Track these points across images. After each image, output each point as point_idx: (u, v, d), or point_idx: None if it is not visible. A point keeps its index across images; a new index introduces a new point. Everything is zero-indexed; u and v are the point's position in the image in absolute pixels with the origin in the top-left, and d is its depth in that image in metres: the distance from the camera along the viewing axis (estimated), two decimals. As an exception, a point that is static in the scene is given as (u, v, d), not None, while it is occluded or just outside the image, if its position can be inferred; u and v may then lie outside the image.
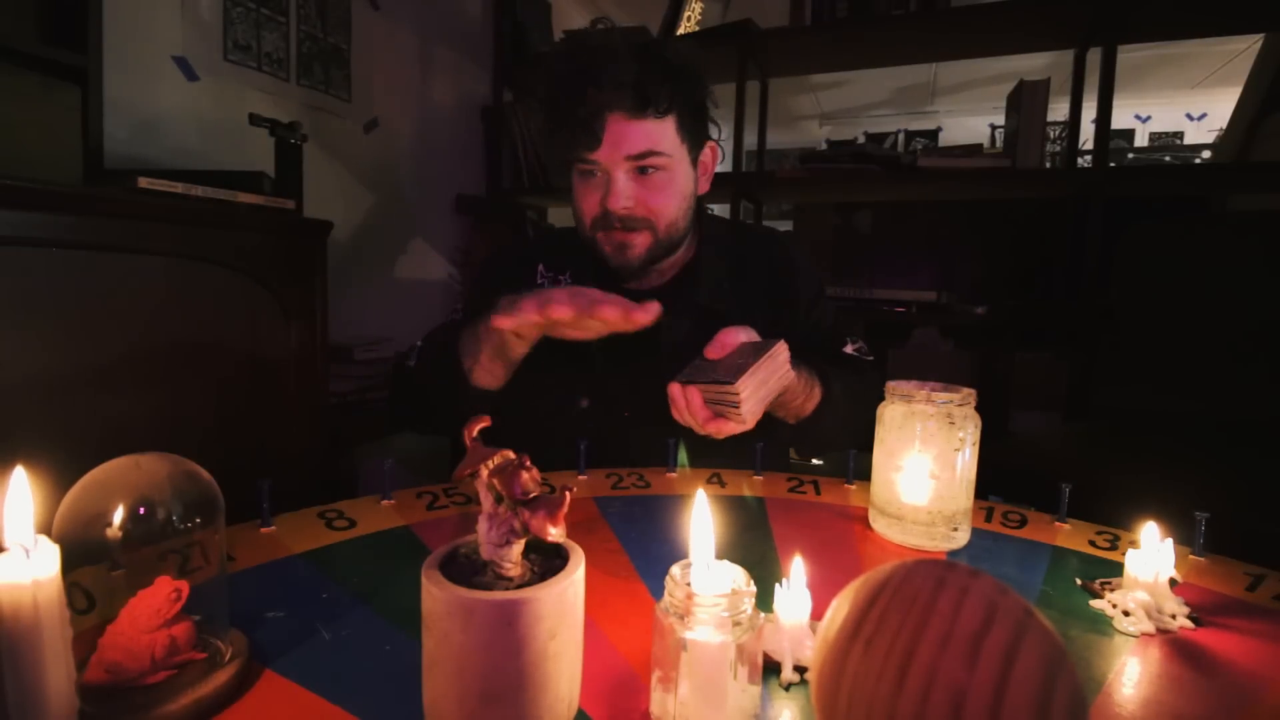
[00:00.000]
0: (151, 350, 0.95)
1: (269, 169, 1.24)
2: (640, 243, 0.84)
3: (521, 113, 2.18)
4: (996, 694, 0.23)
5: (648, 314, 0.64)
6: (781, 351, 0.66)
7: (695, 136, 0.86)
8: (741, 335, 0.68)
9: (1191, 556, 0.57)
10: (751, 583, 0.33)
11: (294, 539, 0.56)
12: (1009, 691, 0.23)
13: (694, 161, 0.88)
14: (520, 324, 0.66)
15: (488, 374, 0.78)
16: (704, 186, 0.92)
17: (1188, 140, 3.76)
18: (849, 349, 0.94)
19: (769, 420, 0.75)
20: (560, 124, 0.80)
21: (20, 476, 0.30)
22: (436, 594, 0.31)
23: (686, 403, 0.66)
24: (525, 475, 0.33)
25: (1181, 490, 0.96)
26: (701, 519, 0.33)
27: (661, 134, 0.81)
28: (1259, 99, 1.67)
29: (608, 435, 0.82)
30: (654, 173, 0.82)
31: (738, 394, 0.62)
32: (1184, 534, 0.54)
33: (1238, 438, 1.24)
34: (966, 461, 0.57)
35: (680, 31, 2.11)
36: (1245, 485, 1.03)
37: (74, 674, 0.30)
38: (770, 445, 0.78)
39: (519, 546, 0.34)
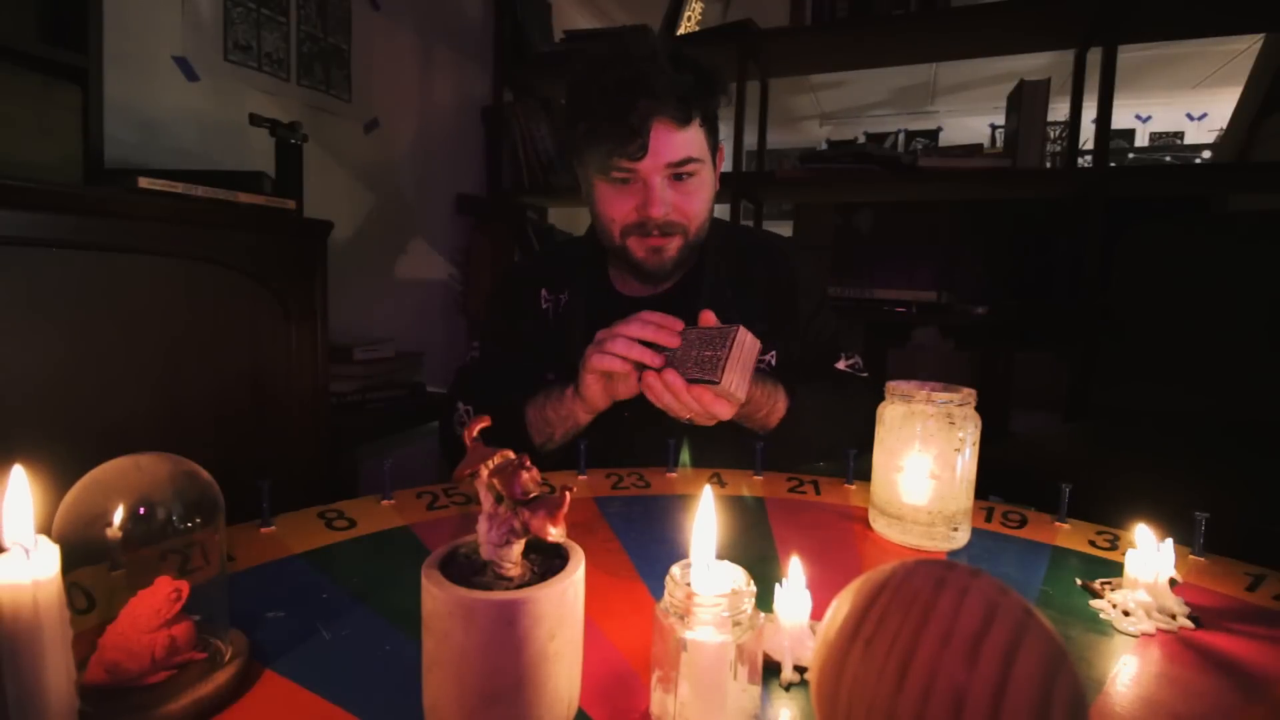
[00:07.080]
0: (151, 350, 0.95)
1: (269, 169, 1.24)
2: (673, 246, 0.87)
3: (522, 112, 2.18)
4: (996, 694, 0.23)
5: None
6: (743, 335, 0.66)
7: (714, 139, 0.89)
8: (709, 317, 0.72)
9: (1191, 556, 0.57)
10: (751, 583, 0.33)
11: (294, 539, 0.56)
12: (1009, 691, 0.23)
13: (714, 164, 0.90)
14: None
15: (577, 430, 0.82)
16: (717, 186, 0.94)
17: (1188, 140, 3.75)
18: (841, 364, 0.95)
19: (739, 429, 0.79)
20: (605, 134, 0.80)
21: (19, 476, 0.30)
22: (436, 594, 0.31)
23: (665, 385, 0.67)
24: (525, 475, 0.33)
25: (1182, 490, 0.96)
26: (706, 515, 0.33)
27: (696, 141, 0.84)
28: (1259, 99, 1.67)
29: (607, 435, 0.82)
30: (689, 178, 0.84)
31: (729, 390, 0.64)
32: (1184, 534, 0.54)
33: (1237, 438, 1.24)
34: (966, 461, 0.57)
35: (680, 31, 2.11)
36: (1245, 485, 1.03)
37: (74, 674, 0.30)
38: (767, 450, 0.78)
39: (519, 546, 0.34)
